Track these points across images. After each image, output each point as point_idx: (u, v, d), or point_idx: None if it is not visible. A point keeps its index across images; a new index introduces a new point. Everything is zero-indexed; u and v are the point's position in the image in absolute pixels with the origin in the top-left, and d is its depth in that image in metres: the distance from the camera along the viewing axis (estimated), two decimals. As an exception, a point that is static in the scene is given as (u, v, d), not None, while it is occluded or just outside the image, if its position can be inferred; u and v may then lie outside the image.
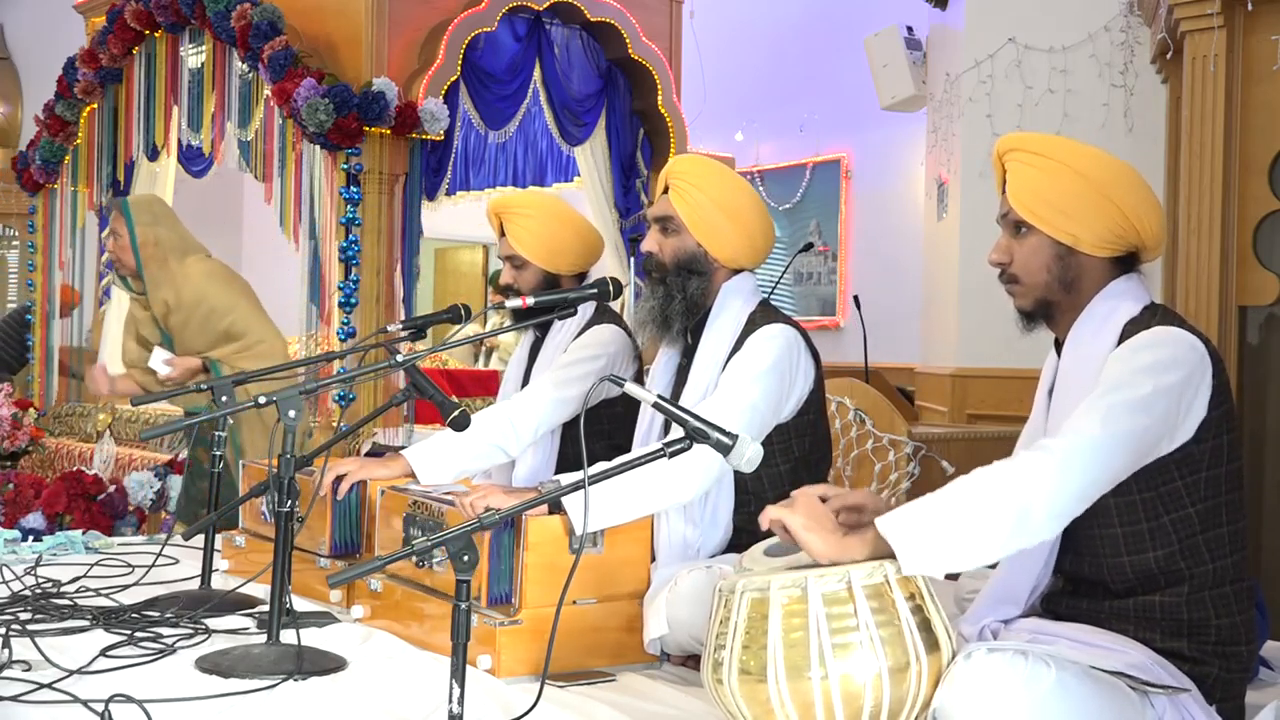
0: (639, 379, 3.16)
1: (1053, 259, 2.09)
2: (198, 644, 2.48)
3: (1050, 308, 2.11)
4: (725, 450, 1.97)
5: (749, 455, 1.97)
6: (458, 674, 1.80)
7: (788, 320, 2.70)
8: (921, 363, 7.20)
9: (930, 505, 1.84)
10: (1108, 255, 2.08)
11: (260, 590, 2.82)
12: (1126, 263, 2.10)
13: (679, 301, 2.72)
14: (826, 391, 2.95)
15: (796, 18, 9.05)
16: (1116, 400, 1.88)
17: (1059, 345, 2.15)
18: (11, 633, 2.41)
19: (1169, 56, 3.98)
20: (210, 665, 2.31)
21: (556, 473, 3.12)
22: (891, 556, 1.80)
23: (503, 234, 3.24)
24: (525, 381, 3.27)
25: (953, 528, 1.80)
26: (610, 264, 6.10)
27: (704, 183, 2.72)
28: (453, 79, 5.40)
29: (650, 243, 2.77)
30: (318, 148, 5.14)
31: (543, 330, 3.28)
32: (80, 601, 2.77)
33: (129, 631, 2.51)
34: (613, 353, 3.09)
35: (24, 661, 2.27)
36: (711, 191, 2.71)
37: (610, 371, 3.06)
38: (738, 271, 2.76)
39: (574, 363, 3.06)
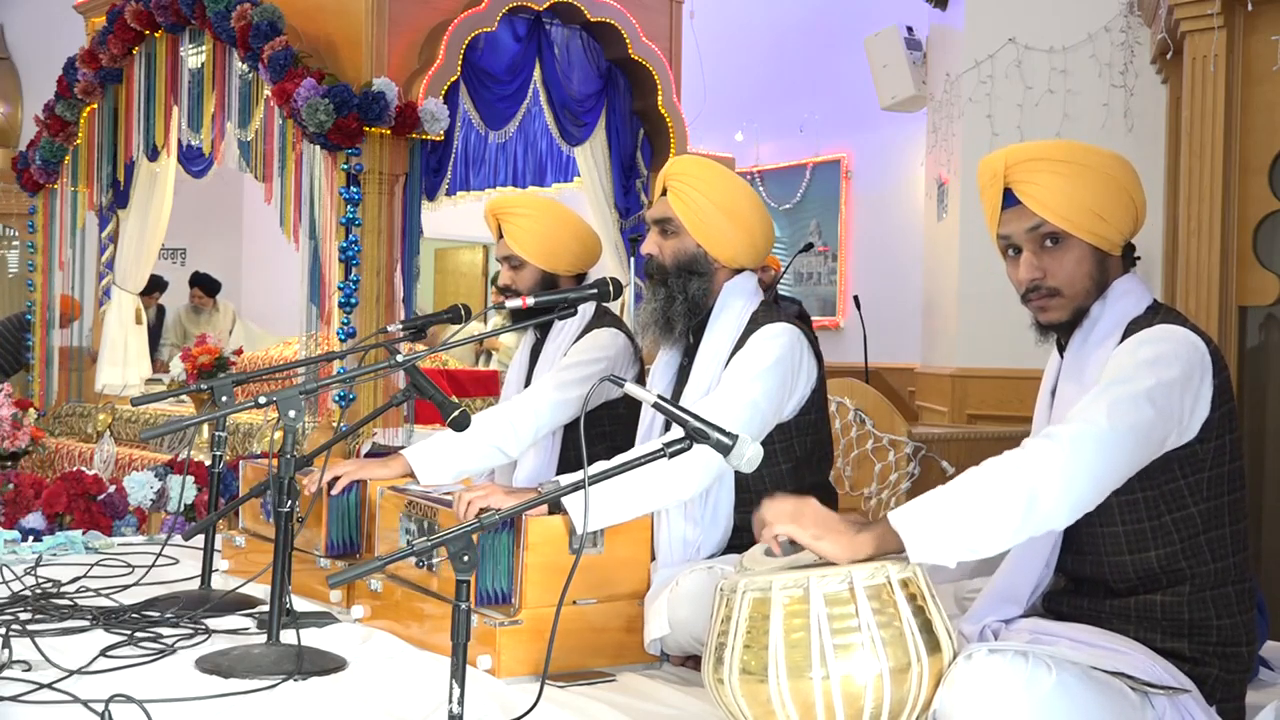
0: (640, 381, 3.16)
1: (1094, 265, 2.06)
2: (198, 644, 2.48)
3: (1082, 315, 2.08)
4: (725, 450, 1.97)
5: (749, 455, 1.96)
6: (458, 674, 1.80)
7: (790, 319, 2.69)
8: (921, 363, 7.20)
9: (938, 495, 1.83)
10: (1119, 251, 2.09)
11: (260, 590, 2.82)
12: (1126, 253, 2.11)
13: (681, 303, 2.72)
14: (827, 391, 2.95)
15: (796, 18, 9.05)
16: (1121, 393, 1.87)
17: (1061, 346, 2.15)
18: (11, 633, 2.41)
19: (1169, 57, 3.98)
20: (210, 665, 2.31)
21: (557, 475, 3.12)
22: (903, 550, 1.79)
23: (500, 235, 3.24)
24: (527, 383, 3.27)
25: (960, 514, 1.79)
26: (610, 264, 6.09)
27: (702, 183, 2.71)
28: (453, 79, 5.39)
29: (650, 245, 2.77)
30: (318, 148, 5.14)
31: (543, 332, 3.28)
32: (80, 601, 2.77)
33: (129, 631, 2.51)
34: (613, 356, 3.09)
35: (24, 661, 2.27)
36: (710, 192, 2.70)
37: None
38: (739, 271, 2.76)
39: (574, 365, 3.06)
